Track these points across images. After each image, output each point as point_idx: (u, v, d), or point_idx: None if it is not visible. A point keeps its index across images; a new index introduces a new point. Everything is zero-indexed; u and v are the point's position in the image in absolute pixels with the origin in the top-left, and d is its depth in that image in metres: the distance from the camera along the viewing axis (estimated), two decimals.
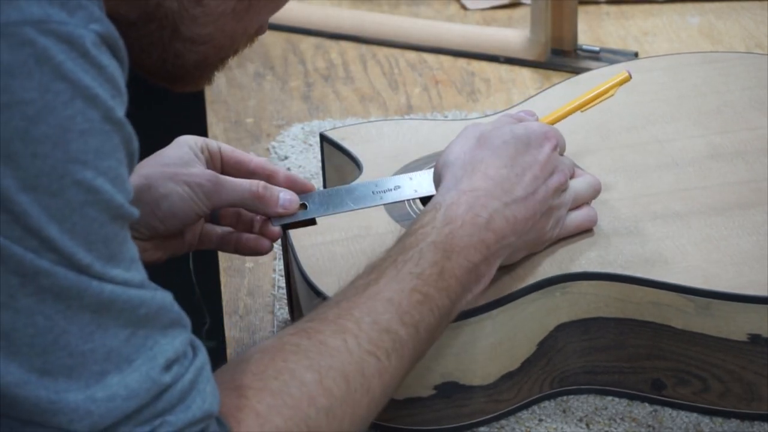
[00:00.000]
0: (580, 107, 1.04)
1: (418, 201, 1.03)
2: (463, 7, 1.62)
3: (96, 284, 0.68)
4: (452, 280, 0.86)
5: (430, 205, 0.90)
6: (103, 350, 0.68)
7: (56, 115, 0.66)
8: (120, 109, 0.69)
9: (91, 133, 0.67)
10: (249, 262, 1.16)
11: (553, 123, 1.02)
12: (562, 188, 0.95)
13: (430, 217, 0.88)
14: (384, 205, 1.02)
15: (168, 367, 0.71)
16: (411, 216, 1.01)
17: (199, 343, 0.74)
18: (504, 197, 0.91)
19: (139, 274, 0.71)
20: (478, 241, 0.88)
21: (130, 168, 0.71)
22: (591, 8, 1.59)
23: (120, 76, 0.70)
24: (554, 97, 1.19)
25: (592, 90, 1.04)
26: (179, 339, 0.72)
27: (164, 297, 0.72)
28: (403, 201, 1.03)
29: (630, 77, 1.02)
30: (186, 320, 0.73)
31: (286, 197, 0.98)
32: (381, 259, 0.86)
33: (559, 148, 0.97)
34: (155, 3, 0.79)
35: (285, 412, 0.75)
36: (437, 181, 0.94)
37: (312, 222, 1.00)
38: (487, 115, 1.20)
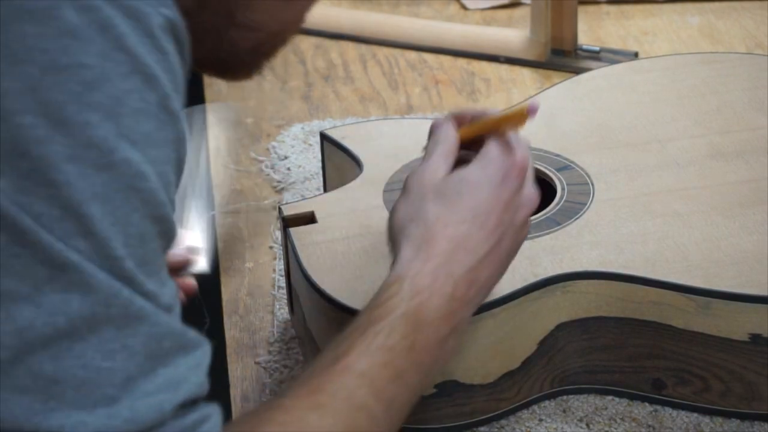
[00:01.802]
0: (494, 127, 0.90)
1: None
2: (463, 7, 1.63)
3: (127, 293, 0.64)
4: (423, 354, 0.80)
5: (392, 276, 0.83)
6: (122, 375, 0.64)
7: (113, 86, 0.64)
8: (177, 101, 0.67)
9: (146, 115, 0.65)
10: (249, 262, 1.16)
11: (469, 136, 0.90)
12: (528, 219, 0.89)
13: (395, 289, 0.82)
14: (385, 203, 1.02)
15: (184, 406, 0.67)
16: None
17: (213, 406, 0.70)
18: (467, 259, 0.84)
19: (169, 297, 0.67)
20: (447, 312, 0.82)
21: (178, 176, 0.69)
22: (591, 8, 1.59)
23: (181, 71, 0.68)
24: (554, 97, 1.19)
25: (506, 114, 0.91)
26: (197, 383, 0.68)
27: (192, 335, 0.68)
28: None
29: (527, 113, 0.88)
30: (204, 366, 0.69)
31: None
32: (349, 331, 0.80)
33: (525, 171, 0.88)
34: None
35: None
36: (393, 245, 0.87)
37: (312, 220, 1.00)
38: None
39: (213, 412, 0.69)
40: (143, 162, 0.65)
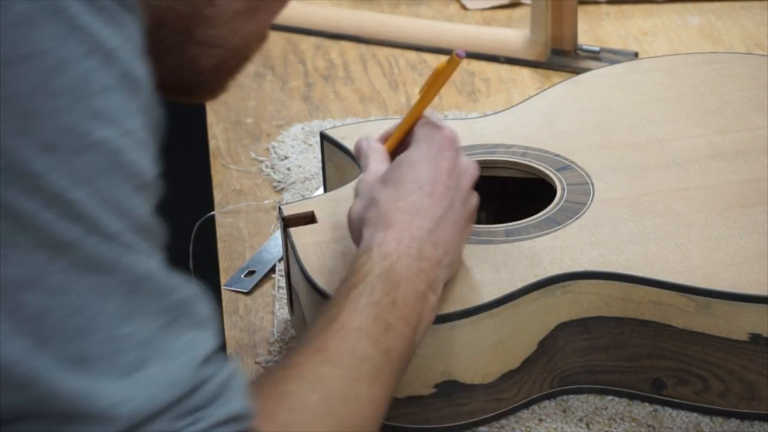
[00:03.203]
0: (426, 102, 0.98)
1: None
2: (463, 7, 1.63)
3: (130, 257, 0.65)
4: (407, 309, 0.85)
5: (360, 251, 0.89)
6: (141, 336, 0.65)
7: (75, 68, 0.64)
8: (139, 67, 0.67)
9: (112, 90, 0.65)
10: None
11: (396, 140, 0.97)
12: (473, 186, 0.95)
13: (365, 258, 0.87)
14: None
15: (205, 361, 0.68)
16: None
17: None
18: (425, 224, 0.90)
19: (162, 257, 0.68)
20: (418, 270, 0.88)
21: (158, 134, 0.69)
22: (591, 8, 1.59)
23: (139, 33, 0.68)
24: (554, 97, 1.19)
25: (429, 83, 0.99)
26: (212, 335, 0.69)
27: (196, 290, 0.69)
28: None
29: (458, 58, 0.95)
30: (213, 319, 0.71)
31: None
32: (334, 299, 0.85)
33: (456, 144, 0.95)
34: (166, 7, 0.77)
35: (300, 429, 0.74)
36: (357, 238, 0.92)
37: (312, 220, 1.00)
38: (486, 115, 1.20)
39: (231, 362, 0.70)
40: (119, 137, 0.65)
